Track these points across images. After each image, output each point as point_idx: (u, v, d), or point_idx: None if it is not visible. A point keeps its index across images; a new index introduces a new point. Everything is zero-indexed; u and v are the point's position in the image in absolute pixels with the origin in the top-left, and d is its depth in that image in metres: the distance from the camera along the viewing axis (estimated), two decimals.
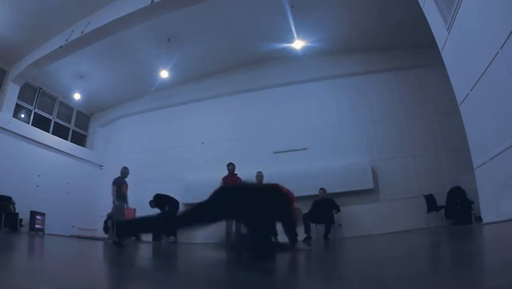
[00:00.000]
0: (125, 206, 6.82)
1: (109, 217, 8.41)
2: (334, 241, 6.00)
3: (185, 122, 9.71)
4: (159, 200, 7.40)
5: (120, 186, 6.67)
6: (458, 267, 1.21)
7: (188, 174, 8.92)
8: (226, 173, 7.24)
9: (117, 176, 6.72)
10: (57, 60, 7.97)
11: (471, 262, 1.28)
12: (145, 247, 5.31)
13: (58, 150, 9.44)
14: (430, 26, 4.74)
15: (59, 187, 8.98)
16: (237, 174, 7.11)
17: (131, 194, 7.31)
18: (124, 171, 6.89)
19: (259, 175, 6.79)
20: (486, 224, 3.84)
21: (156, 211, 7.24)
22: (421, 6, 4.84)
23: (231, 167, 7.07)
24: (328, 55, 8.44)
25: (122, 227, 3.28)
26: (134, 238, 7.11)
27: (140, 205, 7.42)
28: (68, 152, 9.80)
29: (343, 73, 8.54)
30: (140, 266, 2.20)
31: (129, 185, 6.88)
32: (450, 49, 4.36)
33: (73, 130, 10.60)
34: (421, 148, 7.52)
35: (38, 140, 8.87)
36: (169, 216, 3.17)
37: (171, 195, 7.59)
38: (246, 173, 7.26)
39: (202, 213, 2.80)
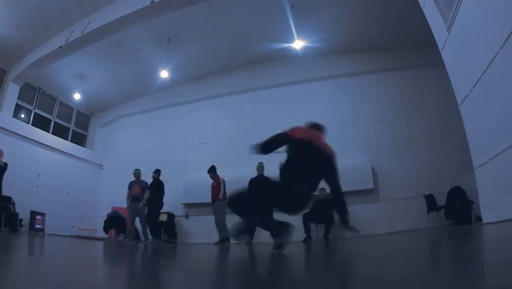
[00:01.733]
0: (139, 205, 7.20)
1: (109, 217, 8.43)
2: (333, 241, 6.00)
3: (185, 122, 9.71)
4: (156, 186, 7.39)
5: (129, 188, 7.24)
6: (458, 267, 1.20)
7: (188, 174, 8.91)
8: (224, 173, 7.30)
9: None
10: (57, 60, 7.96)
11: (471, 262, 1.28)
12: (145, 246, 5.31)
13: (58, 150, 9.43)
14: (431, 26, 4.74)
15: (59, 187, 8.98)
16: (218, 175, 7.21)
17: None
18: (134, 173, 7.48)
19: (260, 166, 6.84)
20: (486, 224, 3.84)
21: None
22: (421, 6, 4.83)
23: (210, 174, 7.20)
24: (328, 55, 8.43)
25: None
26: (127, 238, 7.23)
27: None
28: (68, 152, 9.79)
29: (343, 73, 8.53)
30: (144, 265, 2.20)
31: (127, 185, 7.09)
32: (450, 49, 4.36)
33: (73, 130, 10.59)
34: (421, 148, 7.52)
35: (38, 140, 8.86)
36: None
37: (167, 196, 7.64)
38: (245, 173, 7.27)
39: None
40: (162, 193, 7.44)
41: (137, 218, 7.31)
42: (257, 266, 1.97)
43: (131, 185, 7.38)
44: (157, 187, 7.39)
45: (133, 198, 7.20)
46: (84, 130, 11.09)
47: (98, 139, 11.04)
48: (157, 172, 7.61)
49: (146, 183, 7.42)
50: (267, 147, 2.79)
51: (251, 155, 2.92)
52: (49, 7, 6.73)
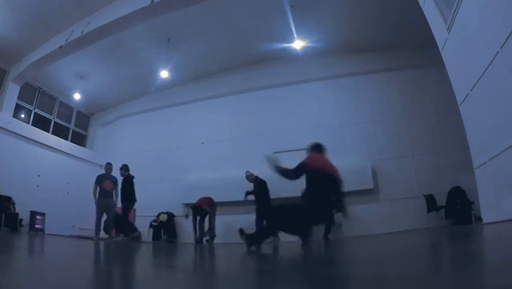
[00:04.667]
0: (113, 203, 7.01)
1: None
2: (334, 241, 5.99)
3: (185, 122, 9.71)
4: (128, 182, 7.08)
5: (97, 182, 6.99)
6: (458, 267, 1.21)
7: (188, 174, 8.91)
8: (224, 173, 7.31)
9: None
10: (57, 60, 7.97)
11: (471, 262, 1.28)
12: (146, 246, 5.31)
13: (58, 150, 9.44)
14: (431, 26, 4.73)
15: (59, 187, 8.98)
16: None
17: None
18: (105, 168, 7.25)
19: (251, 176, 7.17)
20: (486, 224, 3.84)
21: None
22: (421, 6, 4.83)
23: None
24: (328, 55, 8.43)
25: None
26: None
27: (140, 205, 7.38)
28: (68, 152, 9.80)
29: (343, 73, 8.53)
30: (145, 265, 2.20)
31: (120, 184, 6.97)
32: (450, 49, 4.36)
33: (73, 130, 10.60)
34: (421, 148, 7.52)
35: (38, 140, 8.87)
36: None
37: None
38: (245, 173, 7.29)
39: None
40: (132, 189, 7.09)
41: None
42: (257, 266, 1.97)
43: (101, 180, 6.98)
44: (128, 183, 7.08)
45: (105, 194, 6.87)
46: (84, 130, 11.10)
47: (98, 139, 11.05)
48: (125, 168, 7.19)
49: (116, 178, 7.10)
50: (290, 175, 3.68)
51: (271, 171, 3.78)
52: (49, 7, 6.73)
